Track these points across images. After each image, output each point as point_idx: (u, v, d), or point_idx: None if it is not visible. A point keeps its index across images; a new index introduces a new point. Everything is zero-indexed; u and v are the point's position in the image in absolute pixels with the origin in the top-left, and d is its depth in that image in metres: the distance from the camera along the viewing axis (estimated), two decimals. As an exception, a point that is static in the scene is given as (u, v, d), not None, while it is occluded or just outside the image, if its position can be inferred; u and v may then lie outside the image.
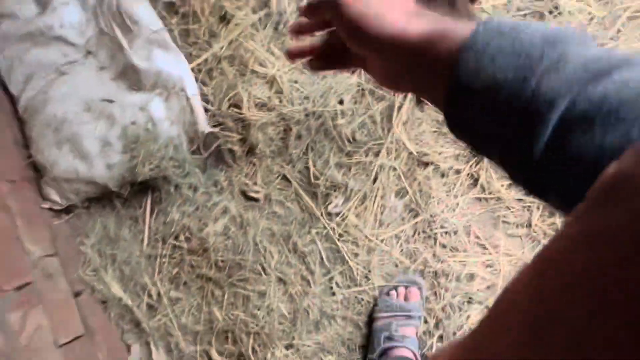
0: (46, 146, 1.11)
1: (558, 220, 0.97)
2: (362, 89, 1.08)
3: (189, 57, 1.19)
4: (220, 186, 1.16)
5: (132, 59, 1.12)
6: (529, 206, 0.98)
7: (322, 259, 1.07)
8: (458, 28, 0.29)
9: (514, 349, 0.17)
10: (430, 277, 1.01)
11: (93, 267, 1.14)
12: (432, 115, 1.05)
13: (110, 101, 1.12)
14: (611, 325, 0.13)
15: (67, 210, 1.19)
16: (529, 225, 0.98)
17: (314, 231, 1.08)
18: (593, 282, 0.14)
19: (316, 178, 1.07)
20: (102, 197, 1.19)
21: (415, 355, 0.90)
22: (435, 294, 1.00)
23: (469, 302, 0.98)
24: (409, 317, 0.93)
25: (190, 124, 1.11)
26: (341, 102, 1.07)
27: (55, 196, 1.14)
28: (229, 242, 1.11)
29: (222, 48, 1.16)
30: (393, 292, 1.00)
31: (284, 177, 1.12)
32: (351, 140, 1.06)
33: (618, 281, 0.13)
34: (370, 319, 1.00)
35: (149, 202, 1.17)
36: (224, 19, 1.18)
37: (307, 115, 1.07)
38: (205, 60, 1.17)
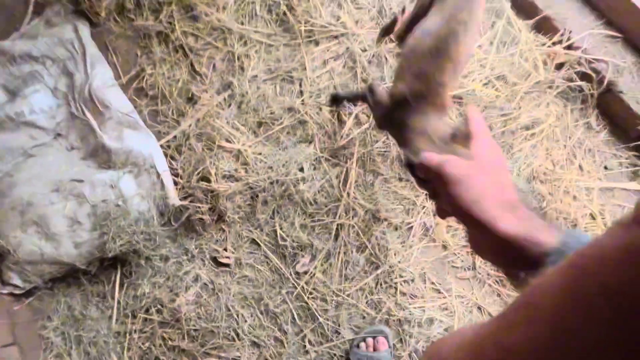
0: (10, 230, 1.11)
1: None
2: (319, 157, 1.22)
3: (159, 135, 1.28)
4: (191, 254, 1.20)
5: (104, 140, 1.19)
6: (472, 251, 1.12)
7: (293, 318, 1.12)
8: (544, 235, 0.37)
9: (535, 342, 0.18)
10: (395, 324, 1.09)
11: (56, 353, 1.10)
12: (382, 175, 1.20)
13: (80, 181, 1.16)
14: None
15: (29, 292, 1.16)
16: (474, 268, 1.11)
17: (284, 291, 1.14)
18: (615, 297, 0.16)
19: (283, 240, 1.16)
20: (67, 276, 1.18)
21: None
22: (401, 340, 1.08)
23: (406, 282, 1.06)
24: None
25: (161, 198, 1.17)
26: (301, 169, 1.20)
27: (16, 280, 1.12)
28: (201, 310, 1.14)
29: (189, 126, 1.27)
30: (362, 344, 1.06)
31: (253, 241, 1.19)
32: (313, 203, 1.18)
33: None
34: (344, 373, 1.04)
35: (118, 276, 1.18)
36: (191, 99, 1.31)
37: (271, 183, 1.18)
38: (174, 137, 1.27)
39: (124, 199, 1.14)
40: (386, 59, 1.27)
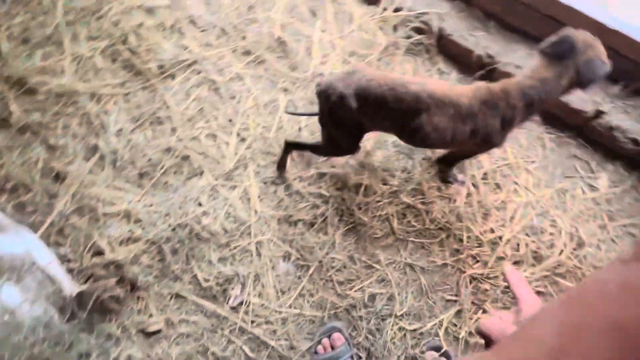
0: None
1: (412, 218, 1.17)
2: (214, 186, 1.18)
3: (33, 226, 1.14)
4: (115, 337, 1.08)
5: (-38, 258, 1.02)
6: (386, 217, 1.17)
7: (246, 354, 1.06)
8: None
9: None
10: (344, 315, 1.09)
11: None
12: (284, 182, 1.20)
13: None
14: None
15: None
16: (393, 232, 1.16)
17: (226, 331, 1.07)
18: (616, 332, 0.15)
19: (207, 281, 1.10)
20: None
21: None
22: (354, 327, 1.08)
23: (382, 319, 1.08)
24: None
25: (55, 293, 1.04)
26: (200, 204, 1.15)
27: None
28: (147, 390, 1.03)
29: (65, 205, 1.15)
30: (320, 347, 1.04)
31: (177, 295, 1.11)
32: (223, 232, 1.13)
33: None
34: (312, 385, 1.01)
35: (36, 399, 1.01)
36: (58, 177, 1.19)
37: (173, 229, 1.11)
38: (52, 222, 1.14)
39: (10, 311, 0.99)
40: (242, 77, 1.28)
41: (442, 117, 0.86)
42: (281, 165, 1.17)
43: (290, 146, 1.11)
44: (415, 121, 0.86)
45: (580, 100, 1.12)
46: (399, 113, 0.86)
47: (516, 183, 1.18)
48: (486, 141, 0.91)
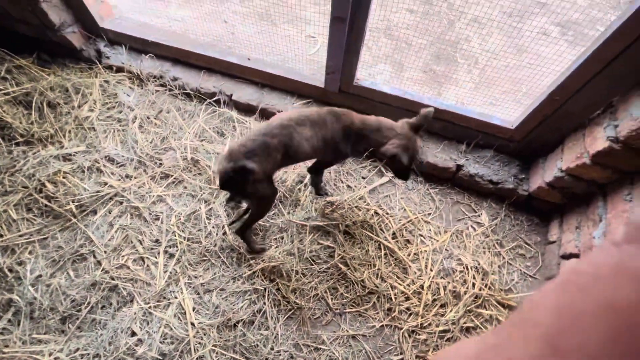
0: None
1: (343, 290, 1.25)
2: (146, 310, 1.16)
3: None
4: None
5: None
6: (320, 295, 1.24)
7: None
8: None
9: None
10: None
11: None
12: (215, 286, 1.23)
13: None
14: (631, 352, 0.14)
15: None
16: (330, 309, 1.22)
17: None
18: (611, 314, 0.16)
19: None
20: None
21: None
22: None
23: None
24: None
25: None
26: (133, 334, 1.11)
27: None
28: None
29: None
30: None
31: None
32: (162, 356, 1.09)
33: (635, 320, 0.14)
34: None
35: None
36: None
37: (104, 370, 1.04)
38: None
39: None
40: (165, 199, 1.39)
41: (305, 128, 1.06)
42: (254, 247, 1.28)
43: (240, 232, 1.23)
44: (292, 142, 1.05)
45: (442, 160, 1.43)
46: (280, 145, 1.04)
47: (421, 235, 1.37)
48: (336, 149, 1.13)
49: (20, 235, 1.26)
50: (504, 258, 1.34)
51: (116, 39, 1.63)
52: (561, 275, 0.20)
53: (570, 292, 0.19)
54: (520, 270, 1.33)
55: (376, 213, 1.41)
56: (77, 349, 1.09)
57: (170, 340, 1.13)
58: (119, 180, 1.39)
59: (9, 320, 1.13)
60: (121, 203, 1.35)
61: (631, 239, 0.19)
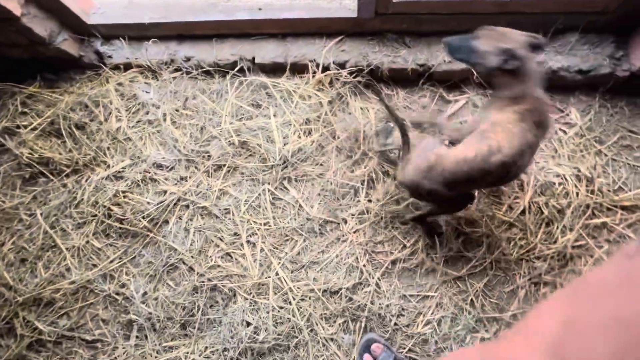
0: None
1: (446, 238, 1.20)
2: (251, 300, 1.20)
3: None
4: None
5: None
6: (417, 245, 1.20)
7: None
8: None
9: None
10: (370, 323, 1.09)
11: None
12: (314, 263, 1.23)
13: None
14: None
15: None
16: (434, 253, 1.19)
17: None
18: (619, 327, 0.15)
19: (291, 392, 1.09)
20: None
21: None
22: (386, 331, 1.09)
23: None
24: None
25: None
26: (248, 324, 1.16)
27: None
28: None
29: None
30: None
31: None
32: (281, 337, 1.14)
33: None
34: None
35: None
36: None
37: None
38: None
39: None
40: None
41: (522, 159, 0.87)
42: (430, 228, 1.18)
43: (417, 220, 1.16)
44: (507, 176, 0.89)
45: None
46: (490, 179, 0.89)
47: (505, 155, 1.23)
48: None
49: (111, 261, 1.30)
50: (606, 156, 1.19)
51: (110, 33, 1.45)
52: (569, 285, 0.20)
53: (577, 303, 0.19)
54: (628, 164, 1.17)
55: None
56: (206, 348, 1.17)
57: (282, 321, 1.17)
58: (176, 184, 1.35)
59: (137, 337, 1.23)
60: (187, 207, 1.32)
61: None
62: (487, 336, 1.08)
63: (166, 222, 1.32)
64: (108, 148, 1.42)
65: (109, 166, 1.40)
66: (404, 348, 1.11)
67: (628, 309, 0.16)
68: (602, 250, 1.11)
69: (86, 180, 1.40)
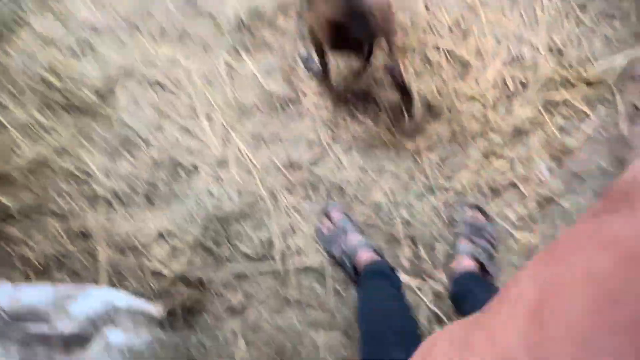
0: None
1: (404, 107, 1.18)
2: (214, 174, 1.21)
3: (95, 282, 1.27)
4: (214, 325, 1.26)
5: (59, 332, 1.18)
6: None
7: (315, 288, 1.22)
8: None
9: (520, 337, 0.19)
10: (333, 193, 1.20)
11: None
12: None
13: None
14: (613, 322, 0.14)
15: None
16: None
17: (293, 279, 1.23)
18: (590, 284, 0.16)
19: (255, 252, 1.21)
20: None
21: None
22: (345, 201, 1.20)
23: (359, 185, 1.18)
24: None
25: (148, 319, 1.20)
26: (212, 194, 1.21)
27: None
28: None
29: (107, 253, 1.25)
30: (323, 228, 1.16)
31: (239, 275, 1.24)
32: (244, 207, 1.21)
33: (621, 283, 0.14)
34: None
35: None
36: (85, 235, 1.26)
37: (204, 227, 1.20)
38: (107, 272, 1.26)
39: (126, 348, 1.17)
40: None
41: None
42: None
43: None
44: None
45: None
46: None
47: (481, 22, 1.14)
48: None
49: (63, 137, 1.24)
50: (585, 25, 1.11)
51: None
52: (542, 250, 0.20)
53: (550, 264, 0.19)
54: (605, 35, 1.11)
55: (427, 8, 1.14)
56: (174, 218, 1.23)
57: (245, 192, 1.22)
58: (118, 52, 1.20)
59: (106, 209, 1.26)
60: (134, 77, 1.21)
61: (609, 208, 0.18)
62: (436, 203, 1.18)
63: (114, 94, 1.22)
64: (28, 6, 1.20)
65: (32, 27, 1.20)
66: (361, 215, 1.21)
67: (598, 265, 0.16)
68: (556, 126, 1.14)
69: (12, 49, 1.22)
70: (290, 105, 1.20)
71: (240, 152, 1.21)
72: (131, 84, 1.21)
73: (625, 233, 0.16)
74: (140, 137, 1.23)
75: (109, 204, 1.26)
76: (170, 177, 1.24)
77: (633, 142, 1.05)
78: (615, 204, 0.18)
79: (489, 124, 1.15)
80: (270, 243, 1.21)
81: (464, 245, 1.10)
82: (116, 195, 1.24)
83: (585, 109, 1.13)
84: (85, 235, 1.27)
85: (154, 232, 1.21)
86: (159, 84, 1.20)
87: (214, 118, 1.21)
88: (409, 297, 1.15)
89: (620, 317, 0.14)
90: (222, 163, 1.22)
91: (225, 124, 1.21)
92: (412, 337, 0.79)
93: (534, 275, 0.20)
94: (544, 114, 1.14)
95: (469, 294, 0.96)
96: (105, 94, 1.21)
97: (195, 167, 1.23)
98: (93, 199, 1.27)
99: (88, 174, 1.25)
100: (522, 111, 1.13)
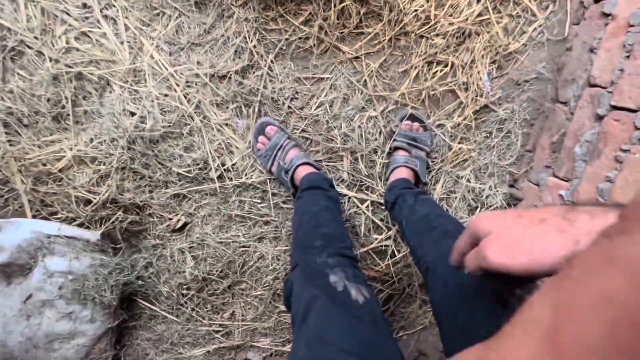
0: None
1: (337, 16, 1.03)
2: (129, 88, 1.06)
3: (20, 214, 1.18)
4: (158, 244, 1.27)
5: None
6: (310, 21, 1.04)
7: (257, 203, 1.23)
8: None
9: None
10: (267, 106, 1.16)
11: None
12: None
13: (29, 297, 1.19)
14: (632, 345, 0.14)
15: None
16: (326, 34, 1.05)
17: (233, 196, 1.21)
18: (606, 306, 0.16)
19: (189, 172, 1.16)
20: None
21: None
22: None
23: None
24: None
25: (85, 244, 1.18)
26: (132, 113, 1.07)
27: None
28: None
29: (22, 183, 1.14)
30: (258, 145, 1.12)
31: (176, 195, 1.21)
32: (170, 124, 1.10)
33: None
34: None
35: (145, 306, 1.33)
36: None
37: (129, 148, 1.10)
38: (29, 201, 1.17)
39: (67, 272, 1.17)
40: None
41: None
42: None
43: None
44: None
45: None
46: None
47: None
48: None
49: None
50: None
51: None
52: (555, 274, 0.20)
53: (564, 287, 0.19)
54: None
55: None
56: (92, 140, 1.11)
57: (169, 109, 1.10)
58: None
59: (6, 133, 1.10)
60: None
61: (624, 229, 0.18)
62: (374, 114, 1.14)
63: (-25, -13, 0.95)
64: None
65: None
66: (297, 129, 1.16)
67: (615, 287, 0.16)
68: (500, 25, 1.07)
69: None
70: (210, 4, 1.01)
71: (156, 62, 1.05)
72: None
73: None
74: (26, 45, 1.01)
75: (7, 126, 1.09)
76: (79, 95, 1.07)
77: (572, 43, 1.01)
78: (629, 225, 0.17)
79: (433, 25, 1.05)
80: (205, 162, 1.15)
81: (399, 156, 1.11)
82: (14, 116, 1.08)
83: (534, 7, 1.05)
84: (-10, 164, 1.13)
85: (71, 157, 1.10)
86: (33, -29, 0.94)
87: (117, 19, 1.00)
88: (351, 209, 1.19)
89: (637, 339, 0.14)
90: (136, 76, 1.06)
91: (130, 26, 1.01)
92: (338, 241, 0.82)
93: (547, 298, 0.20)
94: (491, 12, 1.05)
95: (399, 198, 1.00)
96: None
97: (107, 82, 1.06)
98: (-12, 123, 1.09)
99: (-27, 94, 1.05)
100: (469, 10, 1.03)
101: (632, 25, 0.82)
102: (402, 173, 1.10)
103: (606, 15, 0.90)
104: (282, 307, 1.30)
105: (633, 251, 0.16)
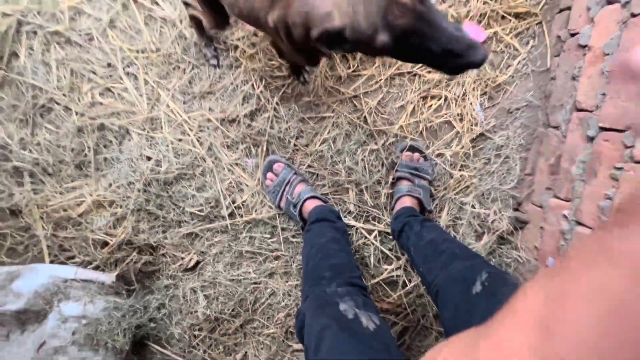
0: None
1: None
2: (146, 135, 1.14)
3: (38, 260, 1.22)
4: (171, 284, 1.29)
5: (6, 308, 1.16)
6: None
7: (267, 238, 1.25)
8: None
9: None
10: (274, 145, 1.21)
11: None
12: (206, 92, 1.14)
13: (42, 344, 1.19)
14: (623, 335, 0.14)
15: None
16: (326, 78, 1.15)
17: (244, 233, 1.24)
18: (601, 297, 0.16)
19: (201, 211, 1.21)
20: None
21: None
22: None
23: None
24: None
25: (100, 287, 1.20)
26: (148, 158, 1.15)
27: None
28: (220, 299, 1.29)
29: (44, 229, 1.19)
30: (267, 181, 1.17)
31: (189, 234, 1.24)
32: (184, 167, 1.17)
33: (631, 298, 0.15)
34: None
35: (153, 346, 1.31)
36: (14, 213, 1.19)
37: (145, 191, 1.16)
38: (48, 246, 1.21)
39: (81, 317, 1.18)
40: None
41: None
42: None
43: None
44: None
45: None
46: None
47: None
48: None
49: (-38, 107, 1.10)
50: (516, -48, 1.08)
51: None
52: (552, 266, 0.19)
53: (559, 278, 0.19)
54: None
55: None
56: (110, 184, 1.17)
57: (183, 152, 1.17)
58: (5, 2, 1.03)
59: (32, 182, 1.18)
60: (35, 33, 1.06)
61: (620, 222, 0.18)
62: (376, 147, 1.20)
63: (15, 55, 1.08)
64: None
65: None
66: (304, 165, 1.22)
67: (609, 278, 0.16)
68: (488, 62, 1.15)
69: None
70: (221, 58, 1.12)
71: (171, 110, 1.14)
72: (32, 42, 1.06)
73: (636, 248, 0.16)
74: (55, 102, 1.12)
75: (33, 176, 1.17)
76: (100, 144, 1.16)
77: (555, 73, 1.09)
78: (626, 218, 0.18)
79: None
80: (216, 201, 1.20)
81: (402, 186, 1.15)
82: (40, 166, 1.16)
83: (516, 43, 1.14)
84: (14, 212, 1.19)
85: (90, 202, 1.16)
86: (65, 39, 1.06)
87: (137, 75, 1.11)
88: (359, 240, 1.21)
89: (631, 330, 0.14)
90: (153, 123, 1.15)
91: (149, 80, 1.11)
92: (347, 271, 0.84)
93: (541, 288, 0.20)
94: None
95: (406, 226, 1.02)
96: (1, 55, 1.06)
97: (126, 131, 1.15)
98: (14, 174, 1.17)
99: (4, 147, 1.14)
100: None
101: (607, 54, 0.90)
102: (407, 202, 1.13)
103: (582, 46, 0.98)
104: (296, 346, 1.27)
105: (628, 243, 0.17)
